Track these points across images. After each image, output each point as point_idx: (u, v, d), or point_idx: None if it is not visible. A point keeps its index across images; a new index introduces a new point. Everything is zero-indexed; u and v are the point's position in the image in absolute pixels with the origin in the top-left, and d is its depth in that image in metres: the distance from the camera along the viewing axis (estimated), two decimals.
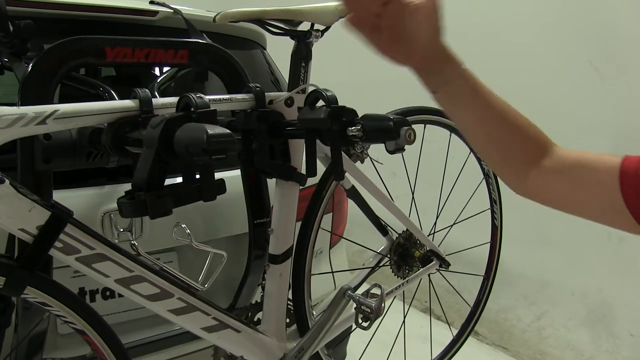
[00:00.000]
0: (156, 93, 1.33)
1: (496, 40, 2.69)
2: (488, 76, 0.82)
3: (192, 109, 0.78)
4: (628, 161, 0.71)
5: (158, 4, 1.72)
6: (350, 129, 0.87)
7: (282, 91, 1.88)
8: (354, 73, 3.29)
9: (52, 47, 1.04)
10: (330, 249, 1.62)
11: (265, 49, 1.77)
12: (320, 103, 0.97)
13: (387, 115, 0.86)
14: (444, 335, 1.92)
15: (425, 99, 0.83)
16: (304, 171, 1.12)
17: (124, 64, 1.14)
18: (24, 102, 0.98)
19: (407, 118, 1.40)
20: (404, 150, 0.87)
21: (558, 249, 2.61)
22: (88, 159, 1.19)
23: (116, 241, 1.33)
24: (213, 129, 0.67)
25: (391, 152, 0.88)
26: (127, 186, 1.06)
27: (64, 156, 1.05)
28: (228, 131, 0.68)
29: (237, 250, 1.40)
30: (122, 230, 1.35)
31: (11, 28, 1.16)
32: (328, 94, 0.93)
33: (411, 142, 0.83)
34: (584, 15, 2.37)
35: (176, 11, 1.61)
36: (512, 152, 0.78)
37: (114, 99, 1.22)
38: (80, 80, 1.26)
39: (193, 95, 0.80)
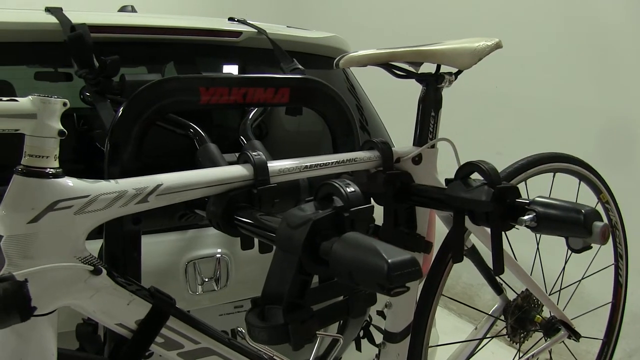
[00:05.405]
0: (249, 133, 1.18)
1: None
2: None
3: (342, 205, 0.61)
4: None
5: (239, 21, 1.58)
6: (522, 218, 0.69)
7: (365, 116, 1.72)
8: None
9: (141, 91, 0.89)
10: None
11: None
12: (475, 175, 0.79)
13: (570, 203, 0.67)
14: None
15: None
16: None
17: (219, 106, 0.99)
18: (113, 152, 0.83)
19: (539, 166, 1.22)
20: (591, 248, 0.69)
21: None
22: (181, 219, 1.06)
23: (200, 289, 1.20)
24: (393, 254, 0.49)
25: (576, 251, 0.69)
26: (214, 231, 0.93)
27: (154, 217, 0.91)
28: (411, 255, 0.51)
29: None
30: (206, 279, 1.22)
31: (96, 64, 1.03)
32: (487, 166, 0.75)
33: (605, 242, 0.65)
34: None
35: (260, 31, 1.47)
36: None
37: (204, 142, 1.07)
38: (168, 119, 1.11)
39: (340, 184, 0.63)
